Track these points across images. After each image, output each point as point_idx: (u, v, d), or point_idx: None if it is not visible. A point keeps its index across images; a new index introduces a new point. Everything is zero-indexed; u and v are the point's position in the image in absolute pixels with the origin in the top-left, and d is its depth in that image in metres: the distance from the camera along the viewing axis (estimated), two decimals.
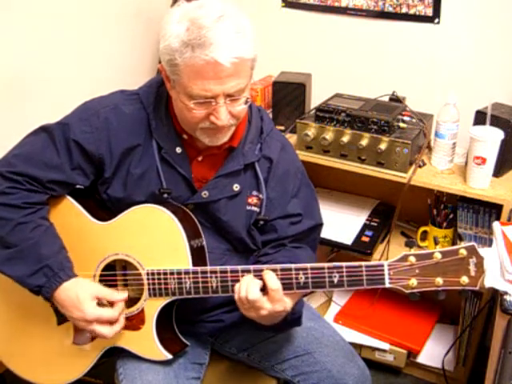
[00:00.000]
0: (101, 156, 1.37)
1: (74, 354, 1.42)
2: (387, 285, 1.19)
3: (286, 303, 1.25)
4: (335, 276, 1.22)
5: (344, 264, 1.22)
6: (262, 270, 1.25)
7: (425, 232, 2.09)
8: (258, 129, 1.45)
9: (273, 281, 1.23)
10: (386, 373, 2.21)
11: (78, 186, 1.43)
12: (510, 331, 1.37)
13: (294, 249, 1.47)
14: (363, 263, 1.20)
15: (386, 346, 2.15)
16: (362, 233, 2.16)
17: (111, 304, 1.34)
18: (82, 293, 1.30)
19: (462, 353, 2.11)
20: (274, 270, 1.24)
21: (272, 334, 1.50)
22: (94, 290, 1.33)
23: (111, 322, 1.32)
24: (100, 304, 1.33)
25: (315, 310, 1.65)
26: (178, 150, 1.39)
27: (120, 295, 1.35)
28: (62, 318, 1.42)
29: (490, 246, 1.70)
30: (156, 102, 1.39)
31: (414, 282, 1.17)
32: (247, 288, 1.23)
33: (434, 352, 2.16)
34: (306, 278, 1.23)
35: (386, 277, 1.19)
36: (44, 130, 1.39)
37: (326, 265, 1.23)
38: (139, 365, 1.37)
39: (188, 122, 1.32)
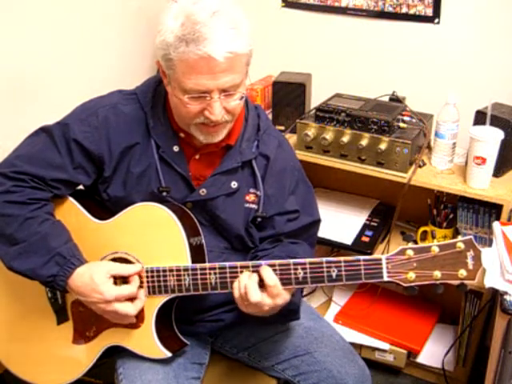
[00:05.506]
0: (101, 155, 1.37)
1: (74, 353, 1.42)
2: (385, 278, 1.19)
3: (285, 295, 1.26)
4: (334, 270, 1.22)
5: (342, 258, 1.22)
6: (260, 266, 1.25)
7: (425, 232, 2.09)
8: (254, 126, 1.45)
9: (270, 277, 1.23)
10: (386, 373, 2.21)
11: (79, 187, 1.44)
12: (510, 331, 1.36)
13: (291, 244, 1.47)
14: (361, 257, 1.20)
15: (385, 345, 2.15)
16: (362, 233, 2.16)
17: (127, 281, 1.33)
18: (96, 274, 1.29)
19: (462, 353, 2.10)
20: (273, 266, 1.25)
21: (272, 334, 1.50)
22: (108, 268, 1.32)
23: (131, 300, 1.32)
24: (116, 283, 1.32)
25: (315, 309, 1.65)
26: (176, 148, 1.39)
27: (134, 267, 1.33)
28: (61, 318, 1.42)
29: (490, 245, 1.70)
30: (153, 100, 1.39)
31: (412, 275, 1.17)
32: (247, 291, 1.23)
33: (434, 352, 2.15)
34: (305, 273, 1.23)
35: (384, 270, 1.19)
36: (44, 130, 1.39)
37: (324, 259, 1.23)
38: (139, 365, 1.37)
39: (183, 118, 1.33)
